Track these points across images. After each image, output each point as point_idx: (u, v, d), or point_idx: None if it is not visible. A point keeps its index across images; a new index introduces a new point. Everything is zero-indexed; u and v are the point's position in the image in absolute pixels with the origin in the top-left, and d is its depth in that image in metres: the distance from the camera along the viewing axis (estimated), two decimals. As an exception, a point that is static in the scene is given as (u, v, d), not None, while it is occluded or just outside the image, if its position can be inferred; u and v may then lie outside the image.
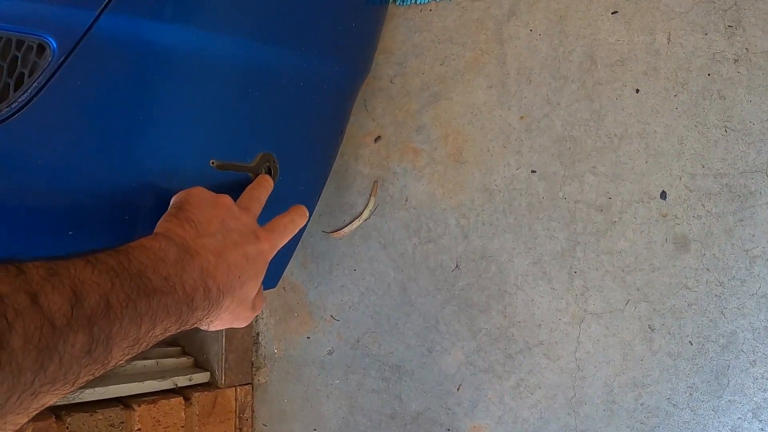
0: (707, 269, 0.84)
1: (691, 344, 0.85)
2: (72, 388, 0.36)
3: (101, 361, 0.37)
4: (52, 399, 0.35)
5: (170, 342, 0.99)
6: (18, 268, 0.34)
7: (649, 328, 0.86)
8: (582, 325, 0.87)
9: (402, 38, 0.94)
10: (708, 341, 0.84)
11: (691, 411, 0.85)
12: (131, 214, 0.67)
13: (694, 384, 0.85)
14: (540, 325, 0.87)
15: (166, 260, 0.44)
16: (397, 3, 0.95)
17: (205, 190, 0.58)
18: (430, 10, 0.93)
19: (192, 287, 0.45)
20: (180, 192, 0.58)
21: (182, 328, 0.45)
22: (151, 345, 0.42)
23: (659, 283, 0.85)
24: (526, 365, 0.87)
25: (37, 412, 0.35)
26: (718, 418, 0.85)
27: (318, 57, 0.77)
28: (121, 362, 0.40)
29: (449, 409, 0.88)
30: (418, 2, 0.94)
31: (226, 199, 0.58)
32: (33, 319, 0.32)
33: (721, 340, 0.84)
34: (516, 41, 0.89)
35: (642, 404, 0.86)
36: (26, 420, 0.35)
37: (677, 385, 0.85)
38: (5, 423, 0.32)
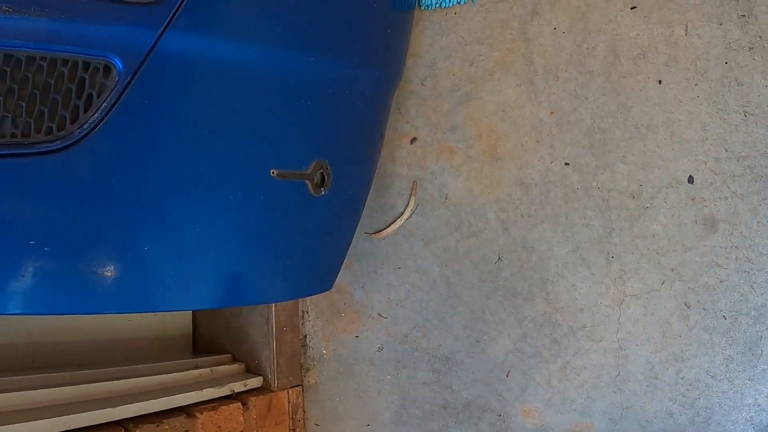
0: (736, 247, 0.89)
1: (725, 318, 0.90)
2: None
3: None
4: None
5: (220, 350, 1.00)
6: None
7: (685, 305, 0.90)
8: (622, 306, 0.91)
9: (429, 41, 0.97)
10: (740, 315, 0.89)
11: (729, 381, 0.90)
12: (201, 225, 0.69)
13: (729, 356, 0.90)
14: (582, 309, 0.90)
15: None
16: (422, 7, 0.98)
17: None
18: (455, 13, 0.96)
19: None
20: None
21: None
22: None
23: (692, 262, 0.90)
24: (571, 348, 0.91)
25: None
26: (754, 386, 0.90)
27: (359, 64, 0.80)
28: None
29: (500, 395, 0.92)
30: (442, 6, 0.97)
31: None
32: None
33: (753, 313, 0.89)
34: (541, 39, 0.92)
35: (682, 378, 0.91)
36: None
37: (714, 357, 0.90)
38: None
